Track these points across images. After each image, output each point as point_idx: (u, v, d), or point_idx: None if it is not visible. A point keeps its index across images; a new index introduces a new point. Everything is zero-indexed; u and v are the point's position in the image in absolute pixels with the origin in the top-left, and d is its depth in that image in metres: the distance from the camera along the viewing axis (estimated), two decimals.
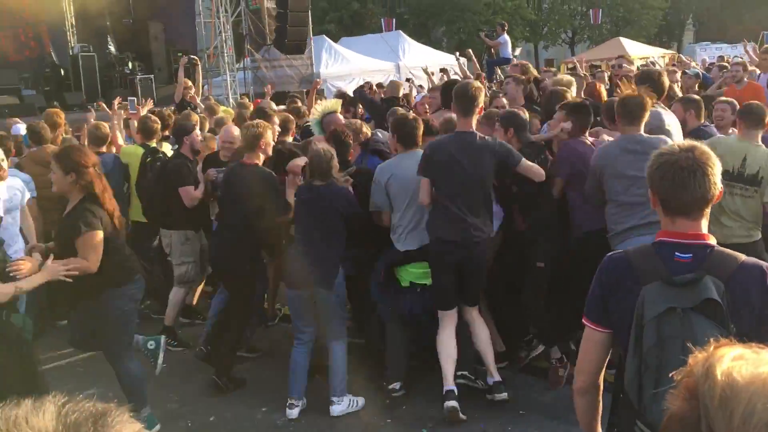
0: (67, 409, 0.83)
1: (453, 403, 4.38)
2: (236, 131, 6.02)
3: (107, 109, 10.38)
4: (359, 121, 6.12)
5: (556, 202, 4.82)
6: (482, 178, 4.46)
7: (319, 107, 6.33)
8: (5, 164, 5.28)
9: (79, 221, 3.83)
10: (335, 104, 6.49)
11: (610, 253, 2.20)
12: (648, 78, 4.98)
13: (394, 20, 28.17)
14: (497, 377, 4.60)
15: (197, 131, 6.26)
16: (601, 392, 2.25)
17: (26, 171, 6.07)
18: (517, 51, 13.89)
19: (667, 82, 5.16)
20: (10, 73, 16.56)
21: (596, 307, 2.15)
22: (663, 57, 22.71)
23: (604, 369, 2.22)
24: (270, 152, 5.16)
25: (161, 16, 16.85)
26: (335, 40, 22.48)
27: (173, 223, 6.02)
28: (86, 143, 6.83)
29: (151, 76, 16.25)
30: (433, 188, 4.49)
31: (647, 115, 4.30)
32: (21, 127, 8.14)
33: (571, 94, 5.95)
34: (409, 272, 4.77)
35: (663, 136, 4.34)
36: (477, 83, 4.79)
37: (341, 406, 4.62)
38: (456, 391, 4.45)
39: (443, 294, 4.59)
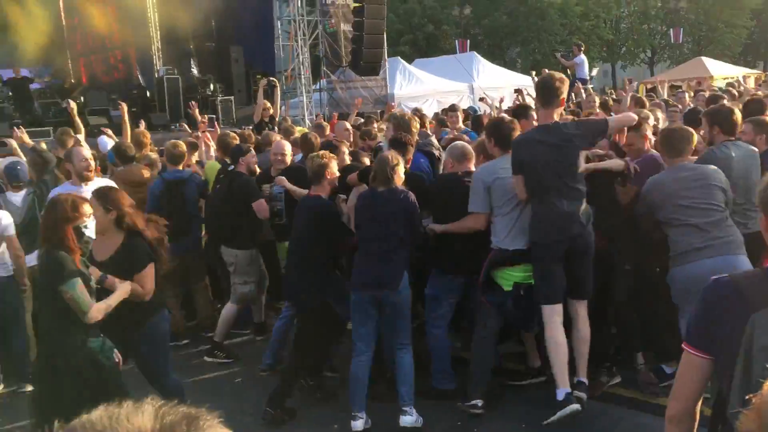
0: (164, 410, 0.89)
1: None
2: (287, 146, 6.20)
3: (188, 129, 10.83)
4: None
5: (627, 211, 4.82)
6: (572, 164, 4.45)
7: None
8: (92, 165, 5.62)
9: (136, 257, 4.02)
10: None
11: (714, 277, 2.10)
12: (718, 116, 4.94)
13: (468, 41, 28.23)
14: (583, 378, 4.57)
15: (253, 152, 6.38)
16: (696, 423, 2.15)
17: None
18: (594, 71, 13.65)
19: (739, 119, 5.00)
20: (100, 94, 17.43)
21: (698, 333, 2.04)
22: (748, 77, 21.86)
23: (701, 398, 2.13)
24: (336, 183, 5.20)
25: (242, 39, 17.42)
26: (409, 62, 22.69)
27: (240, 243, 6.12)
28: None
29: (231, 97, 16.77)
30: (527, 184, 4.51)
31: (693, 143, 4.52)
32: (108, 142, 8.53)
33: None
34: (513, 274, 4.71)
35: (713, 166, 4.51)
36: (560, 74, 4.77)
37: (412, 417, 4.57)
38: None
39: (553, 285, 4.51)
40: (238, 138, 7.30)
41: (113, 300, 3.77)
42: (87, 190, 5.23)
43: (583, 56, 14.22)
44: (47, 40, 19.52)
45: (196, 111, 9.89)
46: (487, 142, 4.97)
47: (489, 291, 4.77)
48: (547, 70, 11.64)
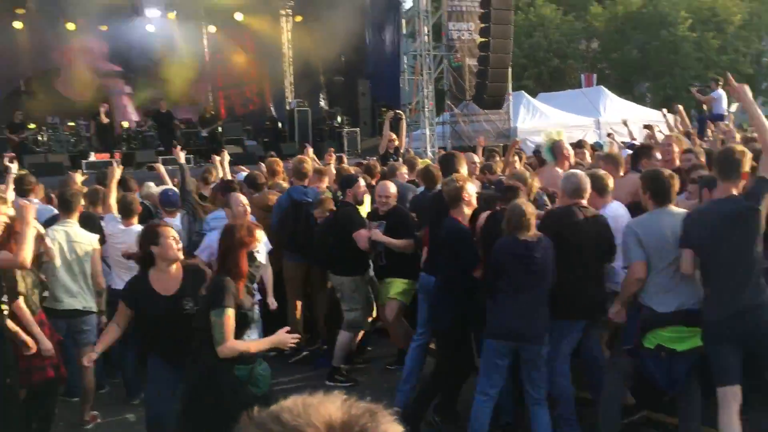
0: (350, 402, 0.99)
1: None
2: (392, 187, 6.27)
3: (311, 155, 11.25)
4: None
5: None
6: (751, 245, 4.20)
7: (546, 135, 6.61)
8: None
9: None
10: (560, 132, 6.69)
11: None
12: None
13: (594, 76, 27.58)
14: None
15: (361, 182, 6.52)
16: None
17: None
18: (733, 107, 12.92)
19: None
20: (235, 125, 18.54)
21: None
22: None
23: None
24: (474, 204, 5.20)
25: (369, 74, 18.01)
26: (533, 96, 22.50)
27: (344, 270, 6.30)
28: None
29: (357, 129, 17.33)
30: (696, 258, 4.33)
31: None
32: (243, 175, 9.06)
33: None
34: (659, 335, 4.47)
35: None
36: (741, 147, 4.58)
37: None
38: None
39: (726, 367, 4.22)
40: (351, 171, 7.61)
41: (254, 347, 3.76)
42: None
43: (721, 91, 13.56)
44: (192, 76, 21.08)
45: (310, 151, 10.15)
46: (642, 194, 4.75)
47: (629, 340, 4.60)
48: (680, 106, 11.23)
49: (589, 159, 8.88)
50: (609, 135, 15.27)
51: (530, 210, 4.60)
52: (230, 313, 3.62)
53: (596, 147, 11.42)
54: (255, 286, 4.45)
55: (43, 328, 4.81)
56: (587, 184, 4.92)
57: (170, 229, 4.25)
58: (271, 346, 3.88)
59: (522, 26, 31.35)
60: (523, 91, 22.16)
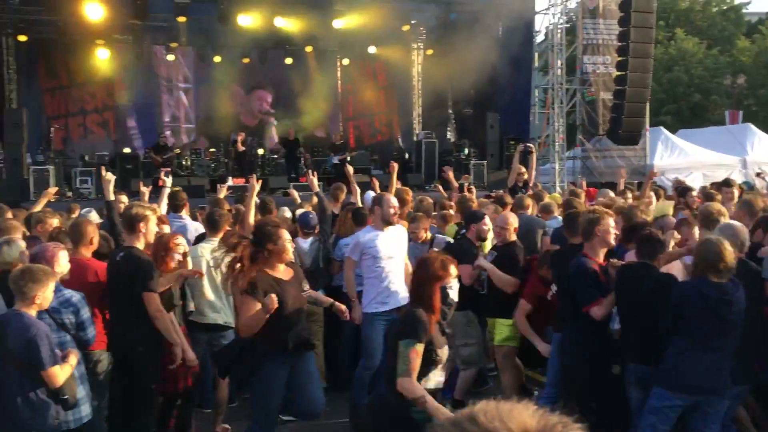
0: (543, 411, 1.01)
1: None
2: (513, 219, 6.08)
3: (442, 191, 11.29)
4: None
5: None
6: None
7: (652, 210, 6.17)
8: None
9: None
10: (669, 208, 6.23)
11: None
12: None
13: (740, 113, 25.97)
14: None
15: (487, 221, 6.28)
16: None
17: None
18: None
19: None
20: (363, 155, 18.96)
21: None
22: None
23: None
24: (611, 242, 4.92)
25: (498, 106, 17.88)
26: (671, 132, 21.49)
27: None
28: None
29: (484, 161, 17.20)
30: None
31: None
32: (370, 194, 9.21)
33: None
34: None
35: None
36: None
37: None
38: None
39: None
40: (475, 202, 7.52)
41: (431, 405, 3.46)
42: (388, 233, 5.77)
43: None
44: (325, 106, 21.87)
45: (451, 174, 10.30)
46: None
47: None
48: None
49: (736, 199, 8.30)
50: (758, 174, 14.26)
51: (728, 250, 4.10)
52: (419, 348, 3.51)
53: (744, 186, 10.66)
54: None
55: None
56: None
57: (286, 232, 4.61)
58: (441, 417, 3.40)
59: (661, 60, 30.16)
60: (661, 127, 21.24)
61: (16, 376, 3.87)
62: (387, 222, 5.85)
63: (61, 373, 3.89)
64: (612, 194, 7.68)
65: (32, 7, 17.65)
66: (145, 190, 7.40)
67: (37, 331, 3.82)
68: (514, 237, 6.03)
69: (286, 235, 4.55)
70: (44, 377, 3.85)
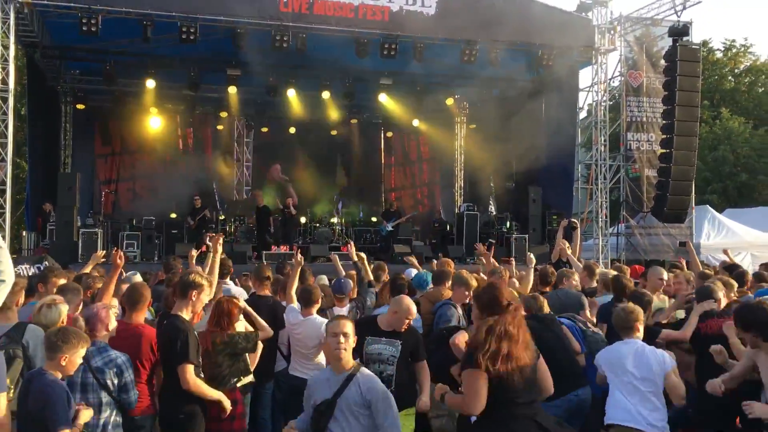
0: None
1: None
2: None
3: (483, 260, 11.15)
4: None
5: None
6: None
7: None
8: None
9: None
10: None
11: None
12: None
13: None
14: None
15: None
16: None
17: (420, 309, 6.71)
18: None
19: None
20: (405, 225, 18.98)
21: None
22: None
23: None
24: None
25: (540, 181, 17.85)
26: (718, 211, 21.12)
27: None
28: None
29: (526, 235, 17.04)
30: None
31: None
32: (412, 271, 9.13)
33: None
34: None
35: None
36: None
37: None
38: None
39: None
40: None
41: None
42: None
43: None
44: (367, 177, 22.17)
45: (482, 248, 10.13)
46: None
47: None
48: None
49: None
50: None
51: None
52: None
53: None
54: None
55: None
56: None
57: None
58: None
59: (706, 139, 29.95)
60: (707, 206, 20.89)
61: None
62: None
63: None
64: (665, 274, 7.43)
65: (90, 77, 18.53)
66: (194, 253, 7.53)
67: (53, 391, 3.79)
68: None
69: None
70: None
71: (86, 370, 4.07)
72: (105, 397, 4.20)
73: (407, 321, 5.21)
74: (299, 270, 6.55)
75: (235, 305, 5.36)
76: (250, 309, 5.74)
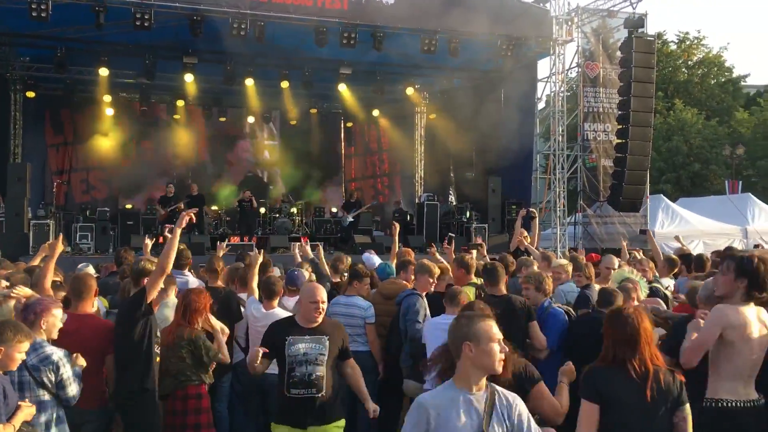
0: None
1: None
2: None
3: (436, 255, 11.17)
4: None
5: None
6: None
7: None
8: None
9: None
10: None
11: None
12: None
13: (740, 183, 26.12)
14: None
15: None
16: None
17: (370, 299, 6.67)
18: None
19: None
20: (366, 216, 18.93)
21: None
22: None
23: None
24: None
25: (500, 171, 17.95)
26: (672, 200, 21.60)
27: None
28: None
29: (486, 225, 17.15)
30: None
31: None
32: (375, 259, 9.08)
33: None
34: None
35: None
36: None
37: None
38: None
39: None
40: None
41: None
42: None
43: None
44: (327, 167, 22.04)
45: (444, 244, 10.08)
46: None
47: None
48: None
49: None
50: (756, 245, 14.25)
51: None
52: None
53: None
54: None
55: None
56: None
57: None
58: None
59: (660, 129, 30.54)
60: (662, 195, 21.32)
61: None
62: None
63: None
64: (616, 260, 7.56)
65: (42, 64, 17.98)
66: (149, 242, 7.39)
67: None
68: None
69: None
70: None
71: (22, 369, 3.92)
72: (44, 396, 4.06)
73: (315, 308, 4.54)
74: (257, 264, 6.45)
75: (203, 298, 5.22)
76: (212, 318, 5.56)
